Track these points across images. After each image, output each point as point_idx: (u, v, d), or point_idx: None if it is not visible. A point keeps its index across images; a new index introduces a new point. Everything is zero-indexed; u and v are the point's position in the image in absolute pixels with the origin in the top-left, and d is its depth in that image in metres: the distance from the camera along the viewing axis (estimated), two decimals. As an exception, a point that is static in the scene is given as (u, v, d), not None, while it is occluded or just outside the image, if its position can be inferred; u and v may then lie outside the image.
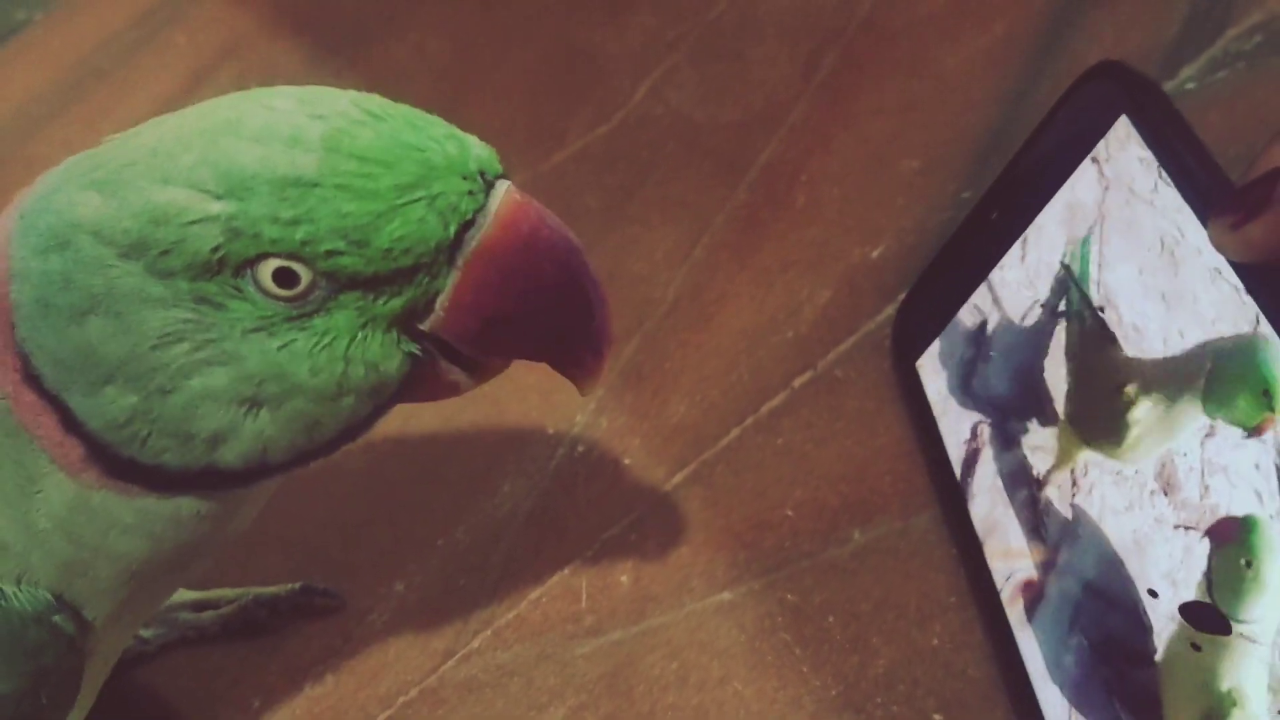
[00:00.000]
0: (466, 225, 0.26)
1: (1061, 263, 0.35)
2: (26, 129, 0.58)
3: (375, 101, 0.26)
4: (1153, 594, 0.28)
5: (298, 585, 0.39)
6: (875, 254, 0.45)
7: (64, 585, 0.28)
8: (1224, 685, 0.25)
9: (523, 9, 0.57)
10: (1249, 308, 0.27)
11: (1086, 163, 0.34)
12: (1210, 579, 0.26)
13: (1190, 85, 0.47)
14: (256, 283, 0.25)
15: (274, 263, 0.25)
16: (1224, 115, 0.45)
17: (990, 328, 0.37)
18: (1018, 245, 0.37)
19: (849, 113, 0.50)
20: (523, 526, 0.40)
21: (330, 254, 0.25)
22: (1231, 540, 0.25)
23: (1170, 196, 0.31)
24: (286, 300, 0.26)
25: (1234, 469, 0.26)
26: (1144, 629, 0.27)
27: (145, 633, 0.38)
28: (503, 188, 0.26)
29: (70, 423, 0.26)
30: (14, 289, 0.26)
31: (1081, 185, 0.35)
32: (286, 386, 0.26)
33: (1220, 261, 0.29)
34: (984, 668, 0.35)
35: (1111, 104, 0.34)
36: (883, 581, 0.37)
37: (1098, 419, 0.31)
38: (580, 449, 0.42)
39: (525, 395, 0.43)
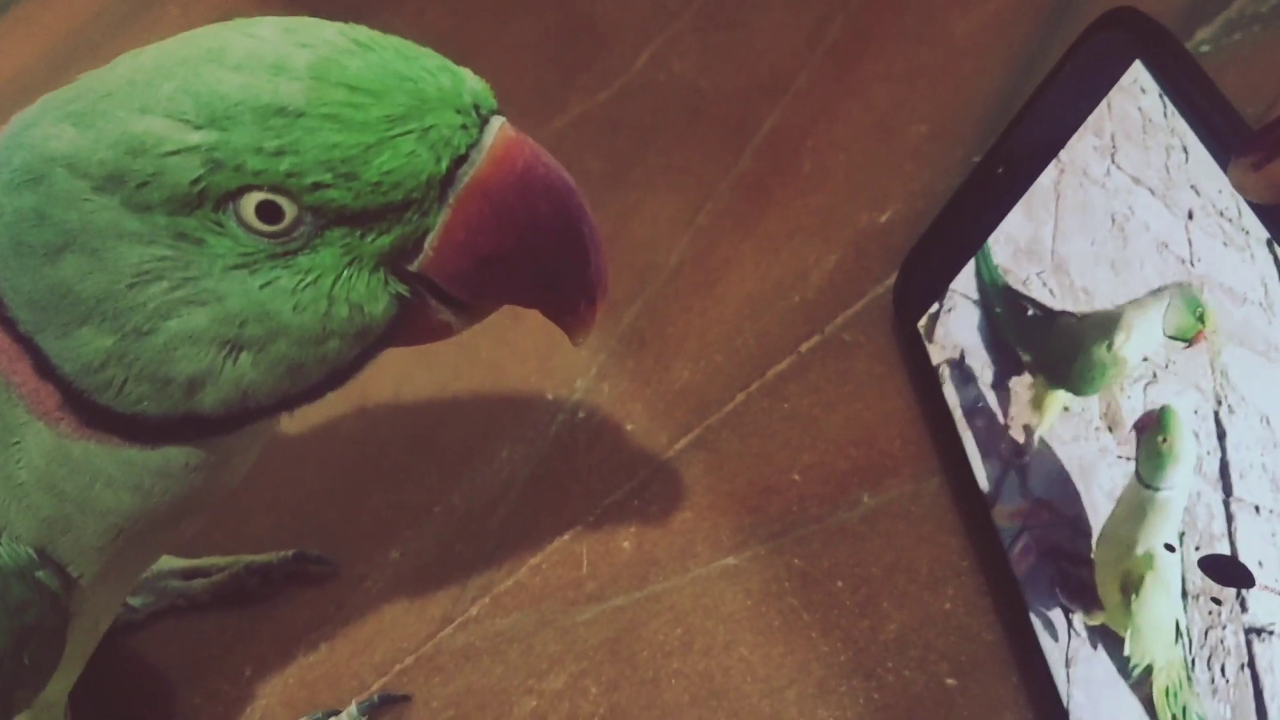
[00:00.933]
0: (459, 160, 0.25)
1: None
2: (18, 100, 0.57)
3: (363, 31, 0.25)
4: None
5: (290, 552, 0.38)
6: (883, 219, 0.44)
7: (47, 541, 0.27)
8: (1139, 551, 0.30)
9: (523, -22, 0.56)
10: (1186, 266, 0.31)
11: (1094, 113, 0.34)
12: (1137, 460, 0.31)
13: (1205, 48, 0.46)
14: (239, 217, 0.24)
15: (257, 196, 0.24)
16: (1240, 76, 0.44)
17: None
18: (1023, 202, 0.36)
19: (855, 80, 0.49)
20: (521, 492, 0.39)
21: (316, 187, 0.24)
22: (1151, 426, 0.30)
23: (1120, 178, 0.33)
24: (269, 236, 0.24)
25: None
26: (1085, 535, 0.32)
27: (134, 601, 0.37)
28: (497, 123, 0.25)
29: (45, 368, 0.25)
30: None
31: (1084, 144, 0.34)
32: (269, 327, 0.25)
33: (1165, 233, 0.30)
34: (998, 631, 0.34)
35: (1124, 51, 0.33)
36: (893, 545, 0.36)
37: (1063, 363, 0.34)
38: (581, 414, 0.41)
39: (524, 360, 0.42)
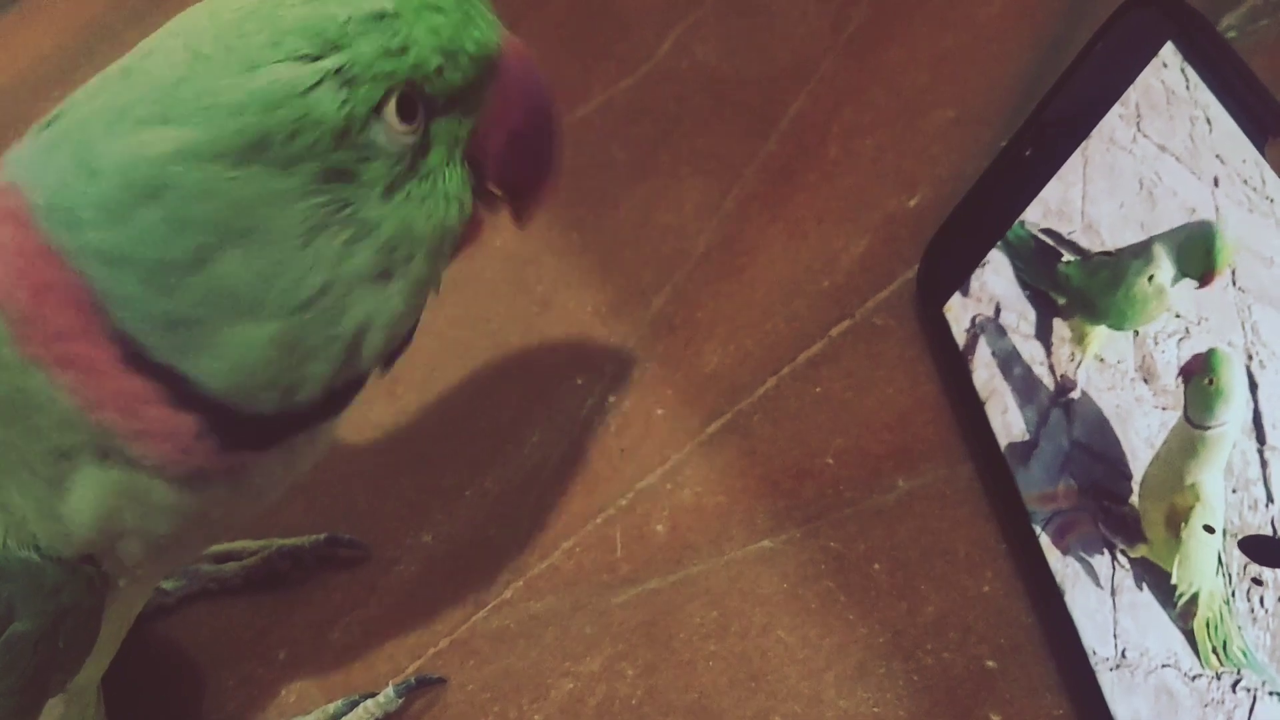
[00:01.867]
0: None
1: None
2: (35, 90, 0.57)
3: None
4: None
5: (322, 536, 0.38)
6: (912, 203, 0.44)
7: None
8: (1187, 483, 0.30)
9: (543, -35, 0.56)
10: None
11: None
12: (1185, 403, 0.31)
13: (1232, 34, 0.45)
14: (386, 126, 0.25)
15: (394, 97, 0.25)
16: (1267, 63, 0.44)
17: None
18: (1054, 182, 0.36)
19: (880, 65, 0.49)
20: (553, 476, 0.39)
21: (438, 71, 0.26)
22: (1198, 369, 0.31)
23: (1146, 145, 0.34)
24: (409, 136, 0.26)
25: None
26: (1127, 477, 0.33)
27: (166, 585, 0.37)
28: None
29: (182, 396, 0.24)
30: (98, 279, 0.23)
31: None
32: (411, 245, 0.26)
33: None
34: (1035, 615, 0.33)
35: (1156, 31, 0.33)
36: (930, 529, 0.35)
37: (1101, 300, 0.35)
38: (611, 399, 0.40)
39: (554, 346, 0.42)
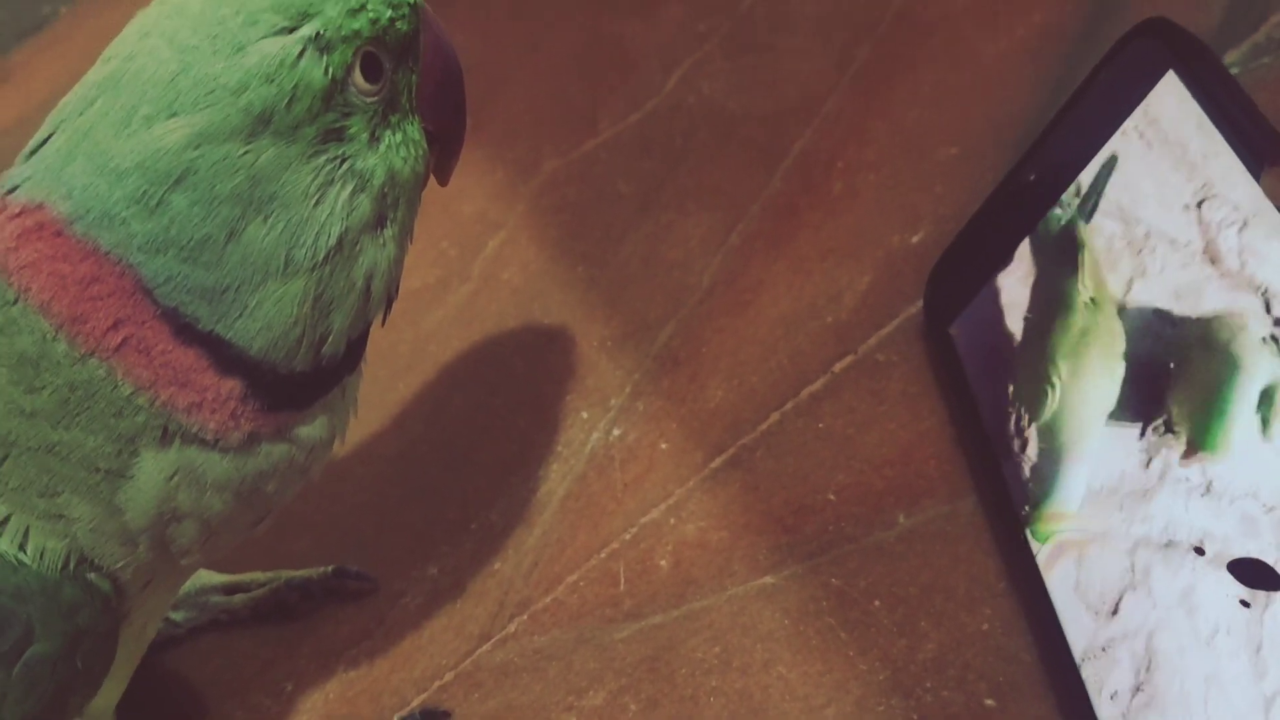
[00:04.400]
0: None
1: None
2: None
3: None
4: None
5: (330, 568, 0.38)
6: (915, 239, 0.44)
7: (127, 556, 0.28)
8: None
9: (553, 1, 0.57)
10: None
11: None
12: None
13: (1234, 70, 0.46)
14: (357, 87, 0.28)
15: (360, 56, 0.28)
16: (1269, 99, 0.44)
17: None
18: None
19: (884, 104, 0.49)
20: (558, 510, 0.39)
21: (392, 22, 0.28)
22: None
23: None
24: (378, 92, 0.28)
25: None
26: None
27: (175, 616, 0.38)
28: None
29: (227, 362, 0.27)
30: (142, 266, 0.26)
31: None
32: (397, 190, 0.29)
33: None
34: (1037, 652, 0.34)
35: (1158, 60, 0.34)
36: (930, 565, 0.36)
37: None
38: (616, 433, 0.41)
39: (559, 379, 0.43)
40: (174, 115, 0.26)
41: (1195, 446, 0.31)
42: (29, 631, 0.27)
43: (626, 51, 0.54)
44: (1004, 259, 0.38)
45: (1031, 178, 0.38)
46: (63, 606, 0.27)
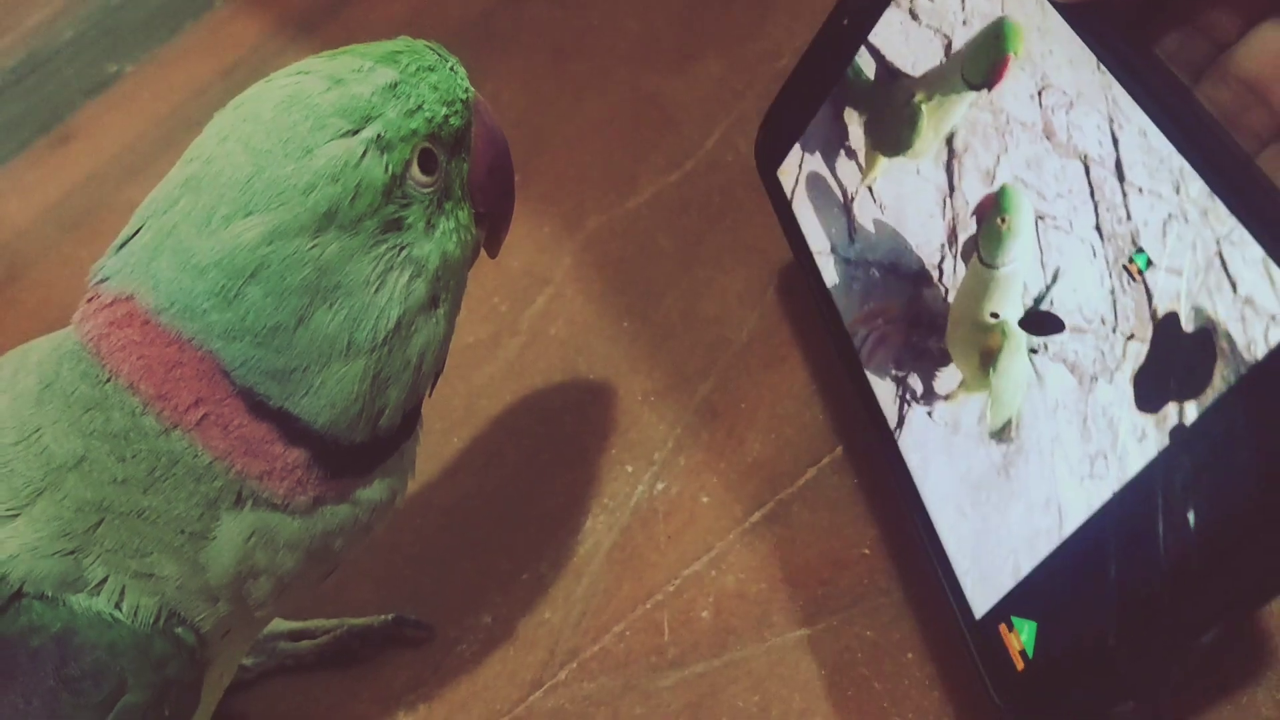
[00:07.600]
0: None
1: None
2: (121, 177, 0.61)
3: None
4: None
5: (390, 616, 0.40)
6: (945, 297, 0.46)
7: (207, 610, 0.31)
8: (990, 323, 0.33)
9: (595, 60, 0.59)
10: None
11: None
12: (977, 242, 0.34)
13: None
14: (415, 181, 0.30)
15: (418, 154, 0.30)
16: None
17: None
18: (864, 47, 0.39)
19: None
20: (604, 562, 0.41)
21: (446, 120, 0.31)
22: (990, 207, 0.33)
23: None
24: (434, 184, 0.31)
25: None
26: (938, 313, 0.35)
27: (246, 661, 0.40)
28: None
29: (294, 434, 0.29)
30: (221, 351, 0.28)
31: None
32: (450, 271, 0.31)
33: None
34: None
35: None
36: (960, 618, 0.37)
37: (893, 132, 0.38)
38: (660, 486, 0.43)
39: (604, 434, 0.45)
40: (249, 214, 0.28)
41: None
42: (122, 684, 0.29)
43: (665, 108, 0.56)
44: (823, 99, 0.41)
45: (845, 22, 0.41)
46: (153, 659, 0.30)
